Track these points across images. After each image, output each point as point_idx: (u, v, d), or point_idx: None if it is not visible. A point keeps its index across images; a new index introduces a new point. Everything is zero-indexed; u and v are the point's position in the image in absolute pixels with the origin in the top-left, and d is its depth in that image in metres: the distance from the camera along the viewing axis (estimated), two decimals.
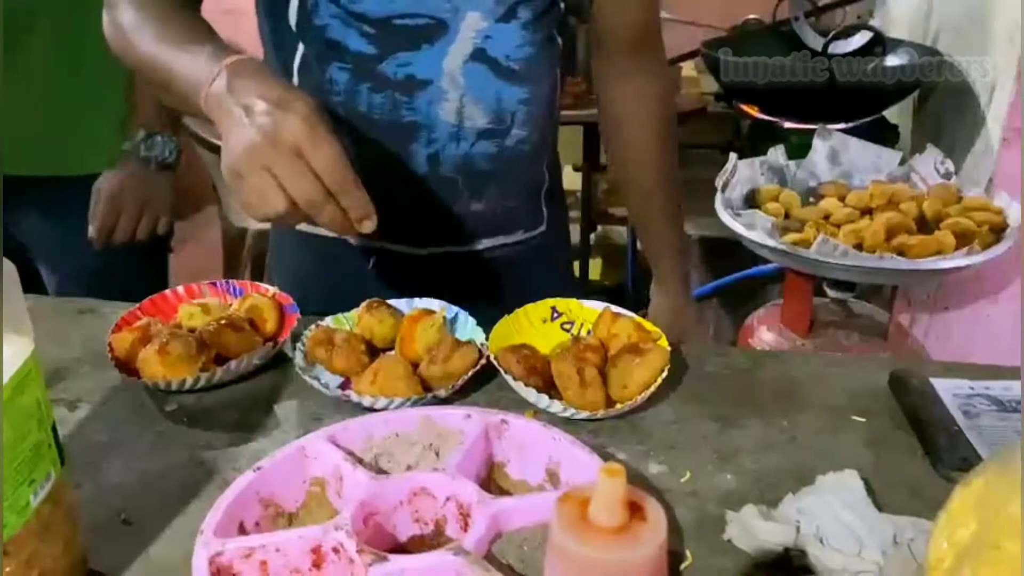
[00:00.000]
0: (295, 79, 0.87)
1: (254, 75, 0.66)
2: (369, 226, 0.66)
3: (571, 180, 2.22)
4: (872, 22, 1.70)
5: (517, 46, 0.85)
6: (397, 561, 0.47)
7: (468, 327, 0.79)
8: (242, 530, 0.53)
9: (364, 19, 0.82)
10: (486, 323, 0.78)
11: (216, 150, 2.04)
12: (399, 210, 0.89)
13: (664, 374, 0.69)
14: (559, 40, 0.91)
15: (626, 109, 0.98)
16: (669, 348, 0.72)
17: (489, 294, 0.97)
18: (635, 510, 0.32)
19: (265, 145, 0.61)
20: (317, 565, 0.49)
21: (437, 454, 0.59)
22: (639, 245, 1.12)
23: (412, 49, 0.83)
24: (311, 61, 0.85)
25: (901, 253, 1.10)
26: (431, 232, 0.93)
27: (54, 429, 0.51)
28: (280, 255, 1.03)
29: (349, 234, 0.67)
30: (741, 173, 1.28)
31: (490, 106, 0.86)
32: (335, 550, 0.49)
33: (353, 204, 0.64)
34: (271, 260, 1.04)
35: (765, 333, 1.35)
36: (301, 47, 0.85)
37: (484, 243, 0.96)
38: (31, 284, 1.23)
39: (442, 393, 0.70)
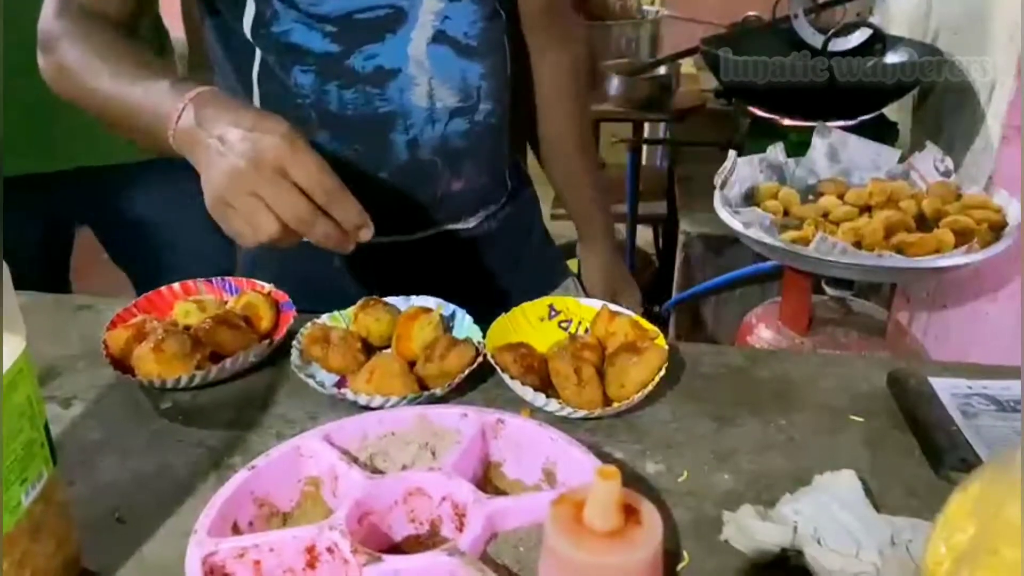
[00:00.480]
0: (255, 88, 0.87)
1: (221, 104, 0.66)
2: (367, 234, 0.66)
3: None
4: (871, 19, 1.69)
5: (471, 22, 0.87)
6: (391, 561, 0.46)
7: (465, 325, 0.79)
8: (236, 530, 0.52)
9: (325, 19, 0.82)
10: (485, 314, 0.79)
11: None
12: (382, 202, 0.87)
13: (662, 373, 0.69)
14: (503, 14, 0.93)
15: (540, 80, 1.03)
16: (667, 347, 0.72)
17: (482, 271, 0.99)
18: (630, 513, 0.32)
19: (248, 169, 0.61)
20: (311, 565, 0.49)
21: (433, 453, 0.58)
22: (565, 209, 1.16)
23: (377, 41, 0.83)
24: (271, 67, 0.85)
25: (900, 251, 1.10)
26: (416, 218, 0.93)
27: (46, 427, 0.51)
28: (262, 255, 1.00)
29: (345, 248, 0.67)
30: (740, 171, 1.27)
31: (457, 84, 0.88)
32: (329, 550, 0.48)
33: (345, 214, 0.64)
34: (248, 259, 1.01)
35: (763, 331, 1.35)
36: (259, 54, 0.85)
37: (470, 221, 0.97)
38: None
39: (438, 392, 0.70)
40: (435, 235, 0.95)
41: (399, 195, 0.91)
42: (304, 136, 0.64)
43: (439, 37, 0.85)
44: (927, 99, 1.62)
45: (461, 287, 0.84)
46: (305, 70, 0.84)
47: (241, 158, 0.61)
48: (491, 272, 1.01)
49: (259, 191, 0.61)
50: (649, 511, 0.32)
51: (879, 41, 1.52)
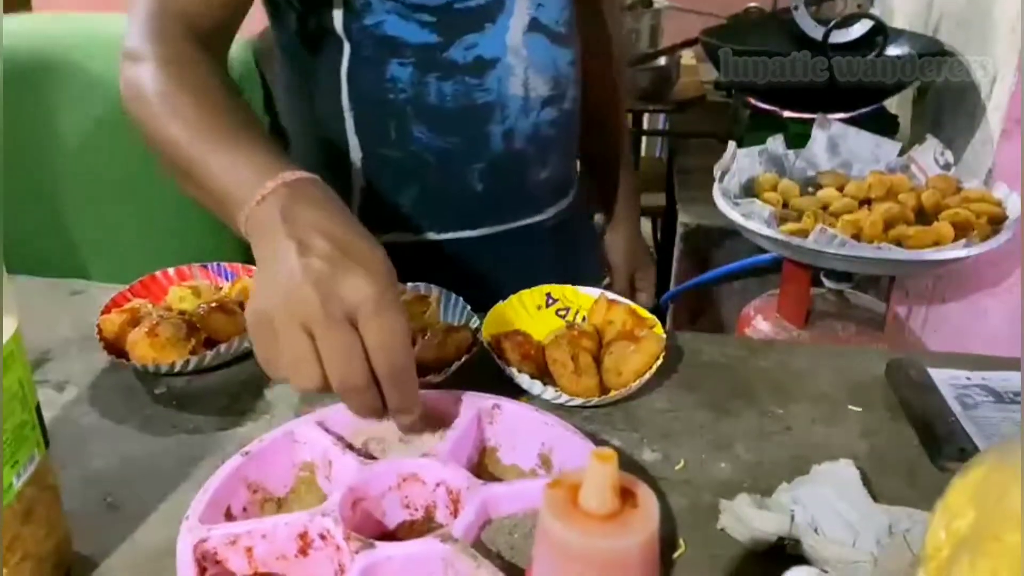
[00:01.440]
0: (343, 85, 0.84)
1: (320, 204, 0.54)
2: (406, 420, 0.53)
3: None
4: (872, 11, 1.69)
5: (560, 9, 0.88)
6: (384, 548, 0.46)
7: (462, 312, 0.78)
8: (229, 515, 0.52)
9: (423, 9, 0.80)
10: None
11: None
12: (474, 194, 0.90)
13: (659, 361, 0.69)
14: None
15: (584, 56, 1.00)
16: (664, 336, 0.71)
17: (552, 261, 0.98)
18: (627, 497, 0.31)
19: (315, 300, 0.48)
20: (303, 552, 0.49)
21: (428, 438, 0.58)
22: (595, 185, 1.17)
23: (477, 31, 0.82)
24: (363, 62, 0.83)
25: (899, 244, 1.09)
26: (504, 209, 0.94)
27: (38, 410, 0.50)
28: None
29: (374, 420, 0.54)
30: (739, 162, 1.27)
31: (549, 73, 0.88)
32: (322, 536, 0.48)
33: (399, 397, 0.51)
34: None
35: (761, 323, 1.34)
36: (347, 50, 0.83)
37: (551, 211, 0.98)
38: None
39: (434, 378, 0.69)
40: (517, 228, 0.95)
41: (492, 187, 0.90)
42: (396, 288, 0.52)
43: (534, 25, 0.85)
44: (927, 92, 1.61)
45: (532, 279, 0.81)
46: (403, 63, 0.82)
47: (312, 282, 0.49)
48: (560, 262, 0.99)
49: (315, 332, 0.49)
50: (645, 494, 0.32)
51: (880, 33, 1.51)
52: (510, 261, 0.93)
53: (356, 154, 0.88)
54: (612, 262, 1.18)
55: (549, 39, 0.87)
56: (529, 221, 0.96)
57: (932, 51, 1.49)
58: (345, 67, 0.84)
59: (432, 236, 0.92)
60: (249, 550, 0.48)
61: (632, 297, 1.16)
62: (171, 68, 0.67)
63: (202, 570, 0.46)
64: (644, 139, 2.86)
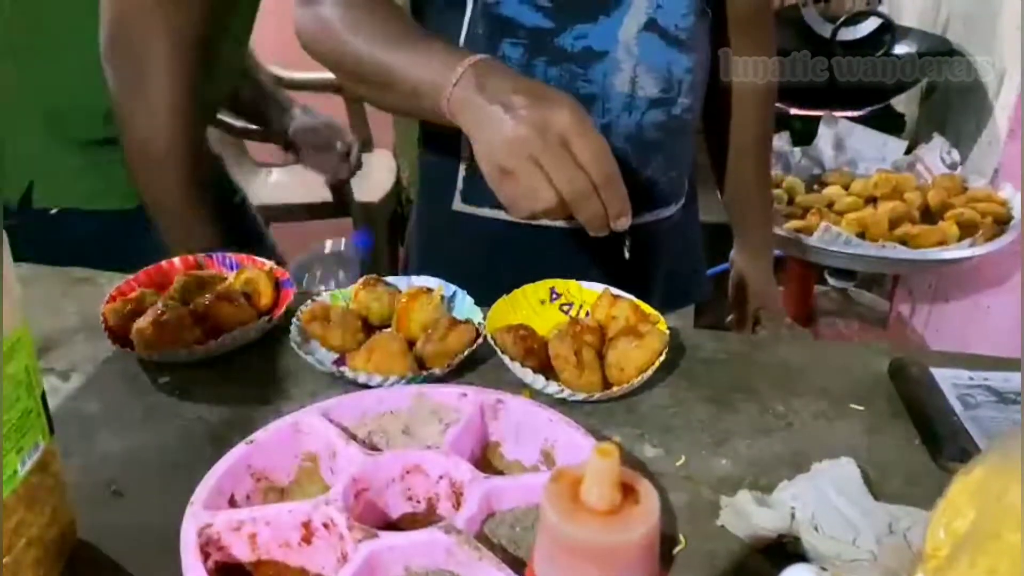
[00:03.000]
0: None
1: (503, 73, 0.67)
2: (624, 223, 0.66)
3: None
4: (881, 9, 1.68)
5: (683, 15, 0.86)
6: (387, 538, 0.46)
7: (465, 306, 0.79)
8: (233, 503, 0.52)
9: None
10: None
11: (229, 130, 2.02)
12: None
13: (662, 357, 0.69)
14: (709, 13, 0.92)
15: (735, 82, 1.01)
16: (668, 332, 0.71)
17: (647, 267, 0.98)
18: (628, 492, 0.31)
19: (533, 136, 0.62)
20: (306, 540, 0.49)
21: (431, 432, 0.58)
22: (728, 213, 1.13)
23: (589, 21, 0.83)
24: (478, 39, 0.84)
25: (904, 243, 1.10)
26: None
27: (43, 398, 0.51)
28: (440, 240, 0.99)
29: (603, 231, 0.67)
30: None
31: (661, 75, 0.87)
32: (325, 525, 0.48)
33: (615, 199, 0.64)
34: (420, 244, 1.02)
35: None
36: (467, 24, 0.84)
37: (646, 217, 0.95)
38: None
39: (437, 372, 0.69)
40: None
41: None
42: (589, 116, 0.64)
43: (650, 25, 0.85)
44: (935, 91, 1.61)
45: (619, 281, 0.81)
46: (515, 43, 0.84)
47: (526, 125, 0.62)
48: (640, 269, 0.96)
49: (541, 159, 0.62)
50: (647, 490, 0.32)
51: (888, 31, 1.51)
52: (583, 257, 0.92)
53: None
54: (741, 290, 1.13)
55: (665, 41, 0.86)
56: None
57: (940, 50, 1.49)
58: (463, 39, 0.85)
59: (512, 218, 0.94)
60: (253, 537, 0.48)
61: (751, 330, 1.13)
62: (346, 3, 0.77)
63: (206, 556, 0.46)
64: None
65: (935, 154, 1.29)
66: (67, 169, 1.06)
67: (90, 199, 1.08)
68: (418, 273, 0.83)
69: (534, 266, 0.84)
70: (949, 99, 1.54)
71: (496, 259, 0.93)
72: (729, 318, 1.16)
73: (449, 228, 0.96)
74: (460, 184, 0.93)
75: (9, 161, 1.08)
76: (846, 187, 1.25)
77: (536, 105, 0.63)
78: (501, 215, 0.90)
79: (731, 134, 1.04)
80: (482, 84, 0.65)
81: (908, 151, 1.32)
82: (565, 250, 0.92)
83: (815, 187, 1.28)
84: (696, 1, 0.87)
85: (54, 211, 1.07)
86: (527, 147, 0.62)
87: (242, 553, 0.49)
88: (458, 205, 0.94)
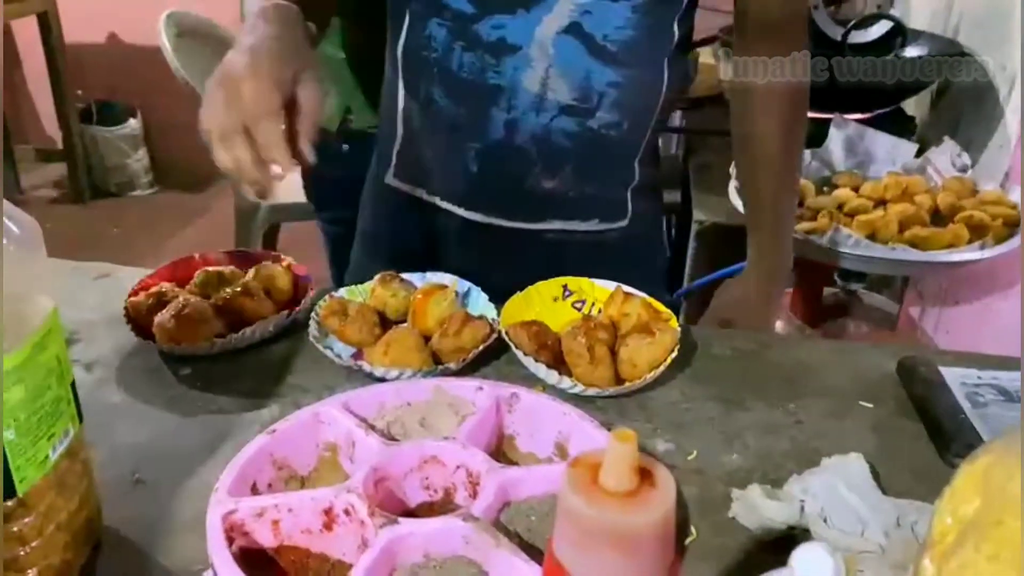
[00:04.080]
0: (403, 34, 0.89)
1: (265, 20, 0.75)
2: (276, 171, 0.70)
3: None
4: (892, 12, 1.69)
5: (618, 27, 0.82)
6: (407, 524, 0.47)
7: (480, 302, 0.80)
8: (255, 491, 0.53)
9: None
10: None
11: None
12: (472, 174, 0.91)
13: (674, 354, 0.70)
14: (676, 33, 0.86)
15: (756, 86, 0.93)
16: (679, 329, 0.72)
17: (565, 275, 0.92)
18: (645, 476, 0.33)
19: (224, 73, 0.70)
20: (328, 527, 0.50)
21: (448, 424, 0.59)
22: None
23: (508, 12, 0.82)
24: (415, 16, 0.87)
25: (914, 245, 1.10)
26: (503, 203, 0.92)
27: (73, 386, 0.52)
28: (379, 210, 1.03)
29: (253, 185, 0.72)
30: None
31: (576, 82, 0.84)
32: (346, 512, 0.50)
33: (264, 138, 0.68)
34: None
35: None
36: (412, 3, 0.87)
37: (554, 224, 0.93)
38: None
39: (453, 366, 0.71)
40: (510, 228, 0.93)
41: (487, 173, 0.90)
42: (294, 76, 0.71)
43: (572, 29, 0.82)
44: (945, 94, 1.61)
45: (512, 284, 0.80)
46: (441, 24, 0.85)
47: (227, 63, 0.71)
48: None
49: (221, 90, 0.70)
50: (663, 474, 0.33)
51: (899, 34, 1.52)
52: (494, 257, 0.90)
53: (401, 102, 0.93)
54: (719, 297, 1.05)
55: (588, 49, 0.83)
56: (524, 226, 0.93)
57: (951, 53, 1.49)
58: (408, 17, 0.88)
59: (439, 202, 0.95)
60: (276, 523, 0.50)
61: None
62: None
63: (230, 541, 0.48)
64: (660, 136, 2.85)
65: (946, 157, 1.29)
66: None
67: None
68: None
69: (444, 256, 0.88)
70: (960, 102, 1.55)
71: (409, 238, 0.97)
72: None
73: (382, 198, 1.00)
74: (394, 159, 0.96)
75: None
76: (856, 189, 1.26)
77: (243, 49, 0.71)
78: (426, 196, 0.95)
79: (752, 144, 0.96)
80: (251, 25, 0.74)
81: (918, 154, 1.33)
82: (459, 241, 0.95)
83: (825, 189, 1.29)
84: (644, 16, 0.82)
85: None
86: (218, 79, 0.70)
87: (265, 539, 0.50)
88: (390, 179, 0.98)
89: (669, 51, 0.87)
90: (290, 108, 0.72)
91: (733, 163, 1.05)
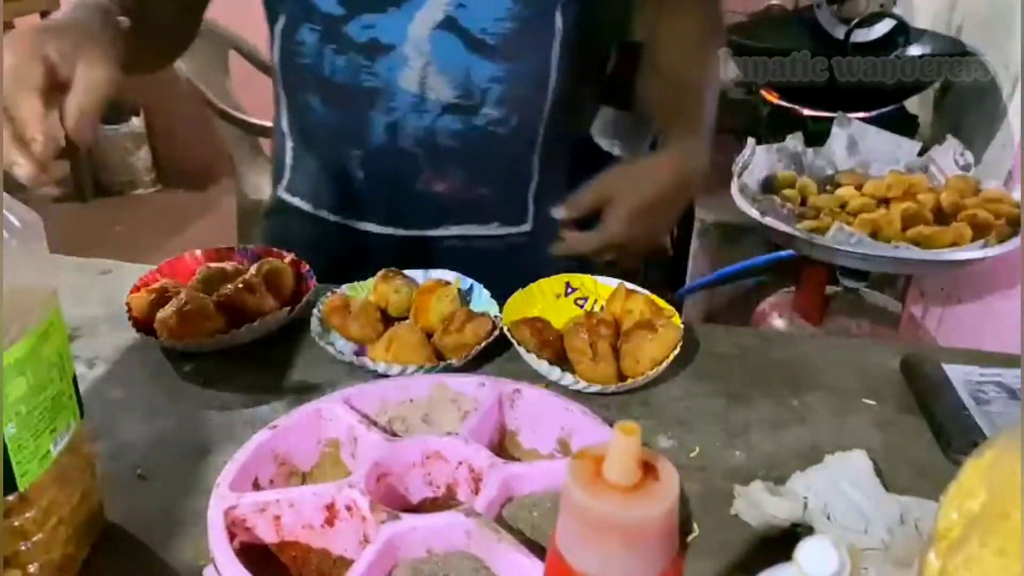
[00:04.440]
0: (277, 42, 0.87)
1: (64, 20, 0.65)
2: (36, 148, 0.59)
3: None
4: (895, 10, 1.68)
5: (497, 19, 0.80)
6: (409, 520, 0.47)
7: (482, 299, 0.80)
8: (256, 486, 0.53)
9: None
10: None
11: (229, 119, 2.04)
12: (358, 181, 0.88)
13: (676, 351, 0.70)
14: (559, 23, 0.82)
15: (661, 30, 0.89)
16: (682, 326, 0.72)
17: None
18: (648, 469, 0.32)
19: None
20: (330, 522, 0.50)
21: (451, 420, 0.59)
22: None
23: (378, 11, 0.80)
24: (289, 23, 0.84)
25: (917, 243, 1.10)
26: (394, 210, 0.90)
27: (75, 381, 0.52)
28: (274, 225, 1.00)
29: (10, 164, 0.60)
30: (758, 159, 1.28)
31: (457, 79, 0.81)
32: (348, 508, 0.49)
33: (19, 115, 0.58)
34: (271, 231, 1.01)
35: (776, 320, 1.35)
36: (284, 11, 0.85)
37: (452, 229, 0.90)
38: None
39: (455, 363, 0.70)
40: (407, 236, 0.90)
41: (374, 179, 0.88)
42: (75, 53, 0.61)
43: (448, 24, 0.79)
44: (948, 92, 1.61)
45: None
46: (312, 29, 0.82)
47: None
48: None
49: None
50: (666, 468, 0.33)
51: (902, 33, 1.52)
52: (399, 265, 0.82)
53: (284, 113, 0.91)
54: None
55: (465, 44, 0.80)
56: (420, 233, 0.90)
57: (953, 51, 1.49)
58: (279, 26, 0.86)
59: (326, 215, 0.92)
60: (277, 518, 0.50)
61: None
62: None
63: (231, 536, 0.48)
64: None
65: (948, 156, 1.29)
66: None
67: None
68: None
69: (345, 272, 0.82)
70: (963, 101, 1.54)
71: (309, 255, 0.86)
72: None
73: (279, 213, 0.97)
74: (287, 172, 0.94)
75: None
76: (859, 188, 1.26)
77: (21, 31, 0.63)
78: (312, 210, 0.92)
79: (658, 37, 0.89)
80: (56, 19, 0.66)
81: (921, 153, 1.33)
82: (357, 252, 0.91)
83: (828, 188, 1.29)
84: (526, 9, 0.80)
85: None
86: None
87: (267, 534, 0.50)
88: (283, 192, 0.96)
89: (553, 43, 0.83)
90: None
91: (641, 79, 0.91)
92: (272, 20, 0.87)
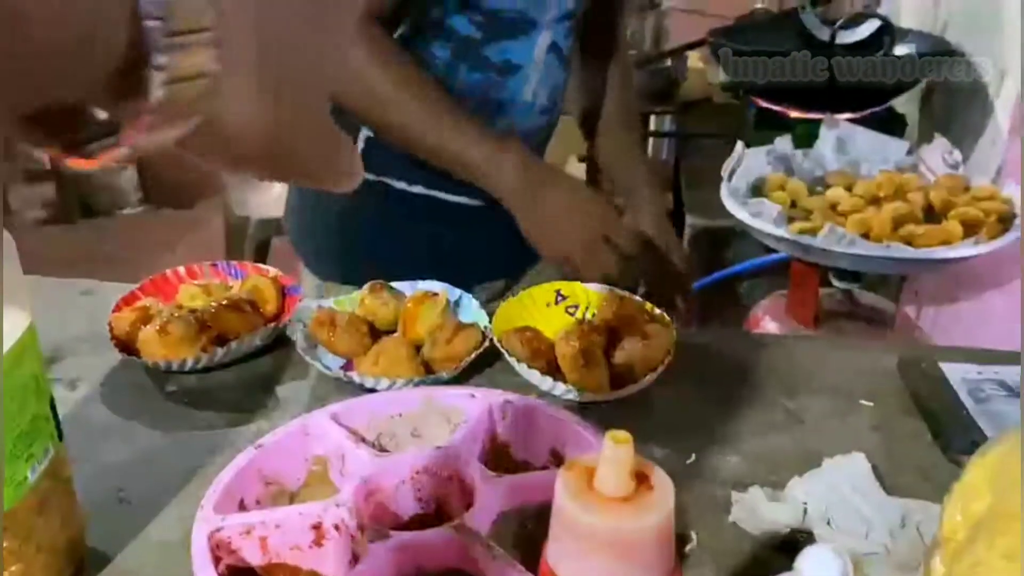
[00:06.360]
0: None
1: (538, 165, 0.90)
2: None
3: (576, 172, 2.21)
4: (880, 11, 1.69)
5: (570, 38, 1.01)
6: (398, 537, 0.46)
7: (471, 309, 0.79)
8: (242, 507, 0.52)
9: (476, 8, 0.92)
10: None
11: None
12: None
13: (669, 357, 0.69)
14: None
15: (594, 75, 1.14)
16: (675, 331, 0.71)
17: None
18: (642, 479, 0.31)
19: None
20: (317, 542, 0.49)
21: (440, 434, 0.58)
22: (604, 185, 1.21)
23: (513, 38, 0.95)
24: (411, 36, 0.93)
25: (908, 243, 1.09)
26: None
27: (52, 404, 0.50)
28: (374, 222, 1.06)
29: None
30: (747, 162, 1.27)
31: (554, 88, 1.02)
32: (336, 527, 0.48)
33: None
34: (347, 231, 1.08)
35: (769, 323, 1.34)
36: (405, 23, 0.93)
37: None
38: None
39: (445, 375, 0.69)
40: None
41: None
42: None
43: (553, 47, 0.99)
44: (936, 91, 1.61)
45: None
46: (444, 46, 0.94)
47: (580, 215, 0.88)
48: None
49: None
50: (660, 477, 0.32)
51: (887, 33, 1.51)
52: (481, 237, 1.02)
53: None
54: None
55: (559, 60, 1.00)
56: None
57: (939, 50, 1.49)
58: (397, 33, 0.94)
59: (435, 193, 1.03)
60: (263, 540, 0.48)
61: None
62: (385, 66, 0.87)
63: (216, 560, 0.46)
64: (651, 140, 2.85)
65: (937, 154, 1.28)
66: None
67: None
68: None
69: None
70: (950, 99, 1.54)
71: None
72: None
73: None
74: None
75: None
76: (849, 188, 1.25)
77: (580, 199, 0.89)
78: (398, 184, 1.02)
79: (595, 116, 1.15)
80: (527, 176, 0.87)
81: (910, 152, 1.32)
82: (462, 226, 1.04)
83: (818, 189, 1.28)
84: (575, 25, 1.00)
85: None
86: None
87: (253, 557, 0.49)
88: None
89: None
90: None
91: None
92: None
